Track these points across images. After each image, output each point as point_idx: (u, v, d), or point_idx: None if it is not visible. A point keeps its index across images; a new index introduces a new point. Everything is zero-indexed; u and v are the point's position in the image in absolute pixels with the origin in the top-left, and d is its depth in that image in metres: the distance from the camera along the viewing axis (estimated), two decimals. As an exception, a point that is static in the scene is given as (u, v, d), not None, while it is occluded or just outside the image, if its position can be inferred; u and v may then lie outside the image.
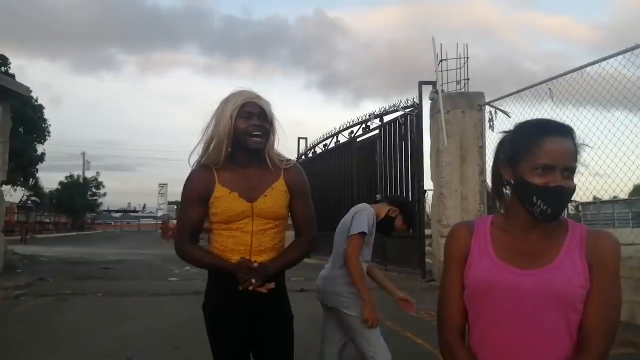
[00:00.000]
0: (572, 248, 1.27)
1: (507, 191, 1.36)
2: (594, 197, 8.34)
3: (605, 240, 1.27)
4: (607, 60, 5.84)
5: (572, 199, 1.28)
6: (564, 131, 1.27)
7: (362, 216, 2.98)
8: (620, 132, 5.48)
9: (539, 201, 1.23)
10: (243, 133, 1.89)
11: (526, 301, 1.26)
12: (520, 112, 7.47)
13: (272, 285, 1.83)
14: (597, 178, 5.99)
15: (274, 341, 1.95)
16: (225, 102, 1.93)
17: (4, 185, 27.41)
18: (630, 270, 5.47)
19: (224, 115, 1.90)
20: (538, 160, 1.23)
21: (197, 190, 1.93)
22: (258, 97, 1.96)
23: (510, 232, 1.34)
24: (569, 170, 1.24)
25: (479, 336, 1.35)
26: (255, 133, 1.89)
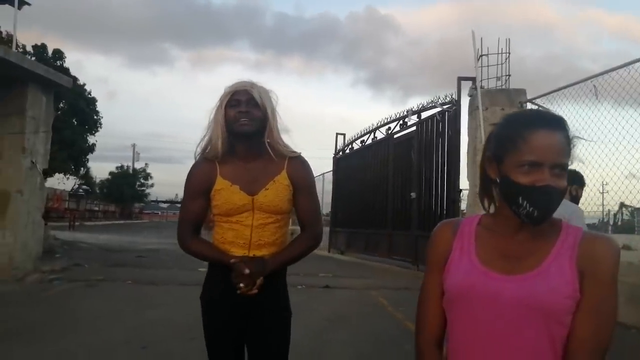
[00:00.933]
0: (562, 253, 1.12)
1: (496, 190, 1.22)
2: (651, 202, 7.86)
3: (601, 245, 1.11)
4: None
5: (578, 201, 1.11)
6: (554, 123, 1.12)
7: (582, 215, 3.31)
8: None
9: (525, 202, 1.09)
10: (231, 120, 1.89)
11: (506, 311, 1.11)
12: (564, 110, 7.11)
13: (260, 281, 1.81)
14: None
15: (269, 337, 1.92)
16: (219, 100, 1.94)
17: (56, 174, 28.28)
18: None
19: (218, 105, 1.92)
20: (524, 156, 1.09)
21: (199, 183, 1.94)
22: (252, 85, 1.93)
23: (497, 233, 1.20)
24: (560, 168, 1.09)
25: (455, 347, 1.21)
26: (242, 119, 1.87)
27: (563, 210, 3.25)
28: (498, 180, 1.17)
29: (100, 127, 30.38)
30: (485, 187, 1.25)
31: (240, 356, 1.98)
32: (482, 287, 1.14)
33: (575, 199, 3.57)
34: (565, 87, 6.84)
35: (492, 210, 1.26)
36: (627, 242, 9.55)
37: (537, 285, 1.09)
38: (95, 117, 29.74)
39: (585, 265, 1.09)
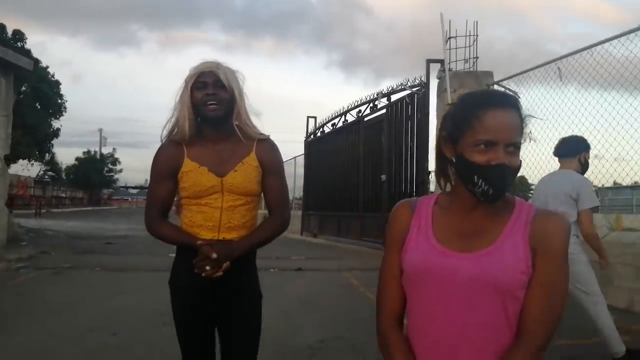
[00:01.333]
0: (516, 230, 1.15)
1: (452, 169, 1.24)
2: (614, 182, 8.11)
3: (552, 221, 1.15)
4: (619, 40, 5.57)
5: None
6: (508, 103, 1.14)
7: (589, 189, 3.49)
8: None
9: (480, 181, 1.11)
10: (199, 103, 1.85)
11: (461, 288, 1.14)
12: (531, 92, 7.23)
13: (226, 265, 1.79)
14: (618, 162, 5.78)
15: (240, 320, 1.91)
16: (185, 82, 1.90)
17: (20, 160, 27.52)
18: (632, 256, 5.28)
19: (183, 87, 1.88)
20: (478, 135, 1.11)
21: (166, 165, 1.90)
22: (217, 65, 1.89)
23: (453, 212, 1.23)
24: (514, 146, 1.11)
25: (414, 325, 1.24)
26: (209, 102, 1.84)
27: (570, 184, 3.44)
28: (454, 160, 1.19)
29: (65, 111, 29.65)
30: (441, 166, 1.27)
31: (211, 340, 1.97)
32: (439, 265, 1.17)
33: (585, 166, 3.72)
34: (530, 70, 6.96)
35: (448, 189, 1.28)
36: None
37: (491, 262, 1.13)
38: (59, 100, 28.97)
39: (538, 242, 1.13)
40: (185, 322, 1.92)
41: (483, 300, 1.13)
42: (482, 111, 1.12)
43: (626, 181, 6.25)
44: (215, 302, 1.88)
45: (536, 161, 6.99)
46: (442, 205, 1.26)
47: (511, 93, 7.94)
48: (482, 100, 1.15)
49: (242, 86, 1.95)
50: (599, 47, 5.78)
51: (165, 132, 1.95)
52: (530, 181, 8.60)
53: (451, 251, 1.17)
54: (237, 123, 1.91)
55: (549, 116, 6.61)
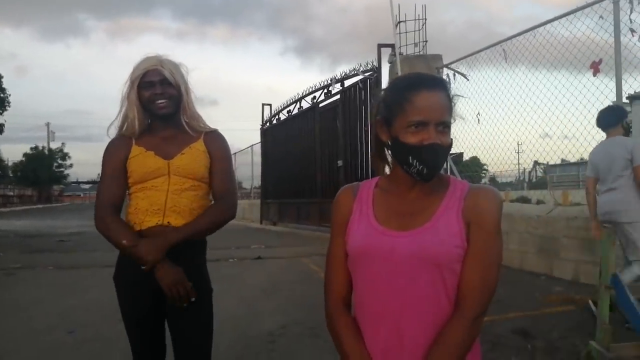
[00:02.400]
0: (450, 207, 1.21)
1: (388, 152, 1.29)
2: (562, 160, 8.45)
3: (484, 196, 1.21)
4: (559, 21, 5.79)
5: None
6: (436, 84, 1.19)
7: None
8: (591, 93, 5.34)
9: (415, 161, 1.16)
10: (147, 102, 1.87)
11: (401, 265, 1.19)
12: (479, 74, 7.43)
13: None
14: (566, 140, 6.04)
15: (190, 315, 1.85)
16: (131, 72, 1.89)
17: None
18: (575, 230, 5.56)
19: (129, 85, 1.89)
20: (410, 117, 1.16)
21: (117, 158, 1.89)
22: (160, 62, 1.89)
23: (392, 193, 1.28)
24: (443, 125, 1.17)
25: (359, 303, 1.29)
26: (158, 101, 1.86)
27: (623, 147, 3.91)
28: (389, 143, 1.23)
29: (9, 106, 28.40)
30: (379, 150, 1.32)
31: (161, 334, 1.94)
32: (379, 244, 1.22)
33: (628, 129, 4.14)
34: (476, 52, 7.15)
35: (388, 172, 1.33)
36: (540, 197, 10.29)
37: (427, 238, 1.18)
38: (2, 95, 27.68)
39: (471, 216, 1.19)
40: (131, 317, 1.89)
41: (422, 275, 1.18)
42: (412, 93, 1.16)
43: (574, 158, 6.55)
44: (163, 296, 1.80)
45: (485, 141, 7.23)
46: (382, 188, 1.31)
47: (461, 75, 8.15)
48: (412, 83, 1.19)
49: (187, 79, 1.96)
50: (543, 28, 6.00)
51: (112, 129, 1.95)
52: (483, 161, 8.85)
53: (390, 230, 1.22)
54: (186, 120, 1.94)
55: (498, 97, 6.84)
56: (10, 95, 28.39)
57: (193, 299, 1.78)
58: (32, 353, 3.72)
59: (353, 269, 1.29)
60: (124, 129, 1.92)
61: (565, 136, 5.92)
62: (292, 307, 4.88)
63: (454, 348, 1.15)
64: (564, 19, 5.59)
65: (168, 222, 1.82)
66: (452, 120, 1.20)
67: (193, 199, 1.89)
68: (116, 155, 1.89)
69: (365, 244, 1.24)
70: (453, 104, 1.21)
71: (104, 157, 1.91)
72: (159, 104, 1.86)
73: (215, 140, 1.98)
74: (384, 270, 1.21)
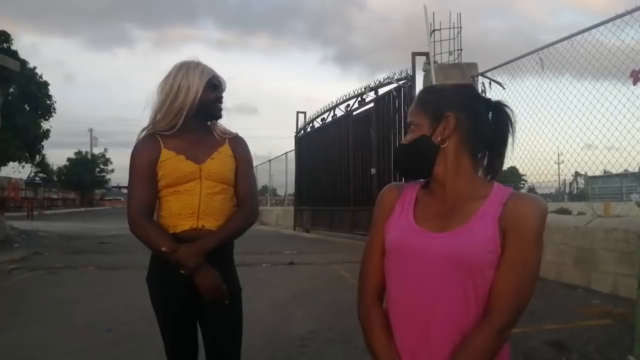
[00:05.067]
0: (488, 211, 1.20)
1: None
2: (604, 171, 8.19)
3: (524, 203, 1.19)
4: (598, 29, 5.68)
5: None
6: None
7: None
8: (630, 103, 5.21)
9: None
10: (210, 102, 1.95)
11: (433, 266, 1.21)
12: (520, 83, 7.27)
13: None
14: (609, 151, 5.89)
15: (220, 314, 1.91)
16: (193, 72, 1.93)
17: (10, 163, 27.22)
18: (615, 242, 5.41)
19: (196, 85, 1.92)
20: None
21: (147, 161, 1.91)
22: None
23: (433, 195, 1.31)
24: (411, 124, 1.31)
25: (391, 299, 1.32)
26: (219, 104, 1.99)
27: None
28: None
29: (55, 112, 29.45)
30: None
31: (193, 334, 1.99)
32: (412, 243, 1.25)
33: None
34: (512, 61, 7.05)
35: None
36: (581, 210, 10.01)
37: (460, 241, 1.19)
38: (48, 101, 28.75)
39: (509, 223, 1.17)
40: (165, 317, 1.94)
41: (452, 278, 1.19)
42: None
43: (618, 169, 6.36)
44: (195, 297, 1.86)
45: (524, 151, 7.08)
46: (426, 190, 1.35)
47: (497, 83, 8.05)
48: None
49: None
50: (581, 35, 5.88)
51: (159, 116, 1.94)
52: (521, 171, 8.69)
53: (426, 231, 1.25)
54: (211, 125, 2.04)
55: (535, 106, 6.71)
56: (56, 102, 29.46)
57: (227, 302, 1.84)
58: (72, 349, 3.87)
59: (387, 265, 1.32)
60: (162, 119, 1.93)
61: (610, 147, 5.75)
62: (323, 312, 4.91)
63: (474, 357, 1.15)
64: (603, 26, 5.48)
65: (202, 225, 1.87)
66: (424, 118, 1.29)
67: (223, 201, 1.94)
68: (146, 158, 1.91)
69: (399, 242, 1.27)
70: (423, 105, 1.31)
71: (132, 159, 1.94)
72: (220, 106, 1.99)
73: (240, 145, 2.05)
74: (416, 270, 1.23)
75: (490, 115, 1.29)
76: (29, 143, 27.37)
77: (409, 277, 1.25)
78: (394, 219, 1.32)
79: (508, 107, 1.31)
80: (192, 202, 1.88)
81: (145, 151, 1.92)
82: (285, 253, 9.39)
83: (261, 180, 23.01)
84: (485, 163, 1.30)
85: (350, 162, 12.35)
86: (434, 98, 1.29)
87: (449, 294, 1.19)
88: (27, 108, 27.14)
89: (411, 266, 1.24)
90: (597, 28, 5.64)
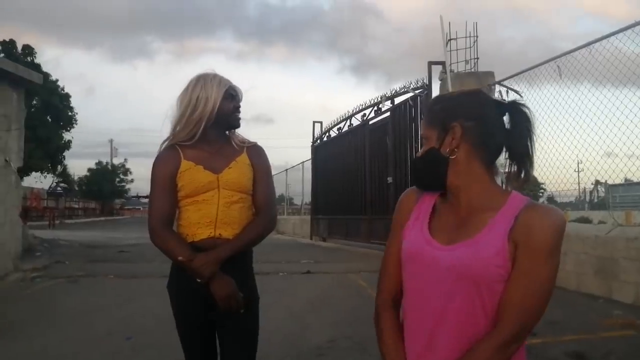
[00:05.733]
0: (499, 224, 1.15)
1: None
2: (625, 179, 8.05)
3: (537, 215, 1.13)
4: (616, 37, 5.64)
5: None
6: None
7: None
8: None
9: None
10: (228, 112, 1.99)
11: (442, 278, 1.19)
12: (538, 91, 7.22)
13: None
14: (624, 159, 5.82)
15: (236, 322, 1.93)
16: (211, 83, 1.97)
17: (32, 173, 27.75)
18: (636, 251, 5.32)
19: (214, 96, 1.96)
20: None
21: (168, 172, 1.95)
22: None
23: (450, 205, 1.28)
24: (423, 138, 1.31)
25: (404, 308, 1.31)
26: (237, 114, 2.03)
27: None
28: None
29: (76, 124, 30.03)
30: None
31: (212, 342, 2.01)
32: (422, 254, 1.24)
33: None
34: (529, 69, 7.02)
35: None
36: (602, 218, 9.89)
37: (466, 254, 1.16)
38: (69, 113, 29.35)
39: (520, 235, 1.12)
40: (185, 325, 1.97)
41: (459, 291, 1.17)
42: None
43: (637, 177, 6.27)
44: (213, 304, 1.87)
45: (542, 159, 7.00)
46: (445, 199, 1.31)
47: (514, 91, 8.00)
48: None
49: None
50: (599, 43, 5.83)
51: (179, 127, 1.97)
52: (540, 179, 8.59)
53: (437, 242, 1.23)
54: (229, 134, 2.06)
55: (554, 115, 6.64)
56: (77, 113, 30.06)
57: (242, 310, 1.86)
58: (92, 357, 3.93)
59: (403, 271, 1.31)
60: (182, 129, 1.96)
61: (630, 155, 5.66)
62: (340, 321, 4.91)
63: None
64: (622, 34, 5.44)
65: (220, 234, 1.89)
66: (433, 131, 1.27)
67: (241, 210, 1.96)
68: (167, 169, 1.94)
69: (413, 250, 1.26)
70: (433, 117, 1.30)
71: (153, 170, 1.97)
72: (238, 116, 2.02)
73: (258, 153, 2.06)
74: (424, 280, 1.22)
75: (507, 117, 1.25)
76: (51, 154, 27.92)
77: (417, 287, 1.25)
78: (409, 225, 1.31)
79: (524, 105, 1.25)
80: (210, 211, 1.91)
81: (166, 162, 1.96)
82: (302, 262, 9.42)
83: (278, 189, 23.07)
84: (511, 170, 1.25)
85: (366, 171, 12.36)
86: (440, 109, 1.27)
87: (455, 308, 1.17)
88: (49, 120, 27.73)
89: (420, 277, 1.24)
90: (615, 35, 5.60)
